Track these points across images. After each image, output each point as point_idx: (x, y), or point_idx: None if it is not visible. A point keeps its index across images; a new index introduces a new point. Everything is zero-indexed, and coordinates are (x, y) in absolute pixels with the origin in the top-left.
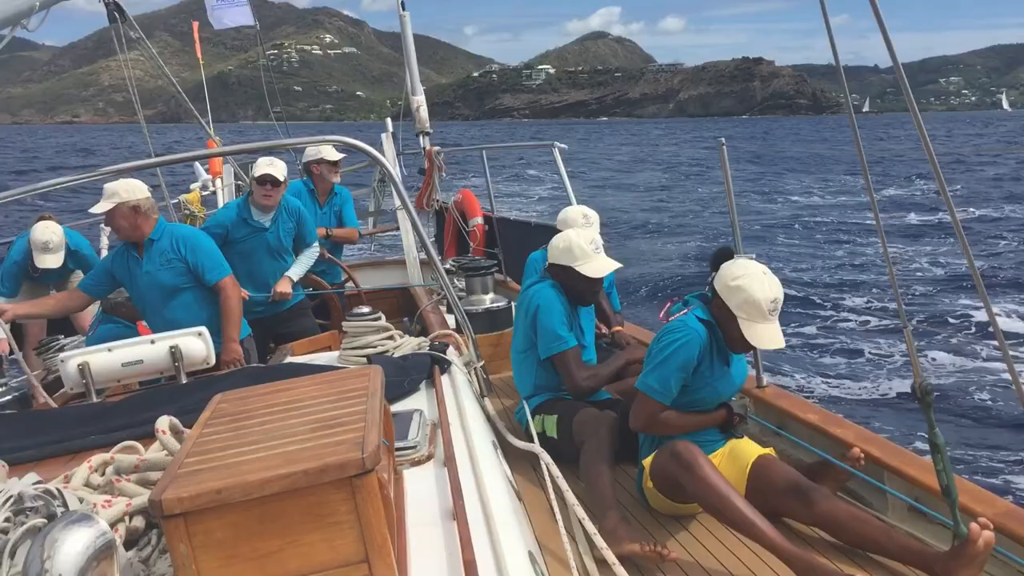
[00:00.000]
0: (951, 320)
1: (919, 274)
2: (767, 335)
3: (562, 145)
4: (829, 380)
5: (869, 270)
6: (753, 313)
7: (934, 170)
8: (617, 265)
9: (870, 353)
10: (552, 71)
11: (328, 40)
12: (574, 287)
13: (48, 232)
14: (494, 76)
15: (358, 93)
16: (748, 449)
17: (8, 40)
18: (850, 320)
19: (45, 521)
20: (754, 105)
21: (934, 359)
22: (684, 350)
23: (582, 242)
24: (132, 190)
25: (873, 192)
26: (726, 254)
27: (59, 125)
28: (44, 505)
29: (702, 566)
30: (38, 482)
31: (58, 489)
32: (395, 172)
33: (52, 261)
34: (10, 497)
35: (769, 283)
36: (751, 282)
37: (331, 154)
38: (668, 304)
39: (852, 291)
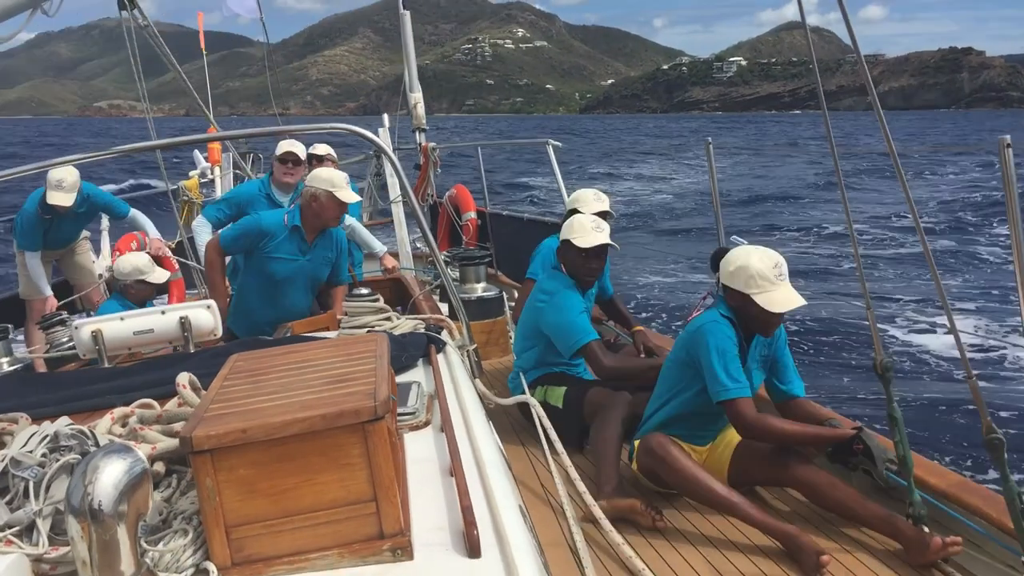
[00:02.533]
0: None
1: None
2: (783, 297)
3: (556, 143)
4: (798, 358)
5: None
6: (763, 284)
7: None
8: (602, 240)
9: (836, 332)
10: (744, 63)
11: (520, 34)
12: (572, 263)
13: (63, 171)
14: (684, 68)
15: (547, 86)
16: (735, 436)
17: (28, 23)
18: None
19: (79, 457)
20: (961, 98)
21: (894, 337)
22: (719, 337)
23: (584, 219)
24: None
25: None
26: (720, 254)
27: (271, 117)
28: (78, 444)
29: (686, 536)
30: (70, 425)
31: (91, 430)
32: (397, 161)
33: (63, 199)
34: (46, 436)
35: (763, 254)
36: (747, 259)
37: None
38: (695, 312)
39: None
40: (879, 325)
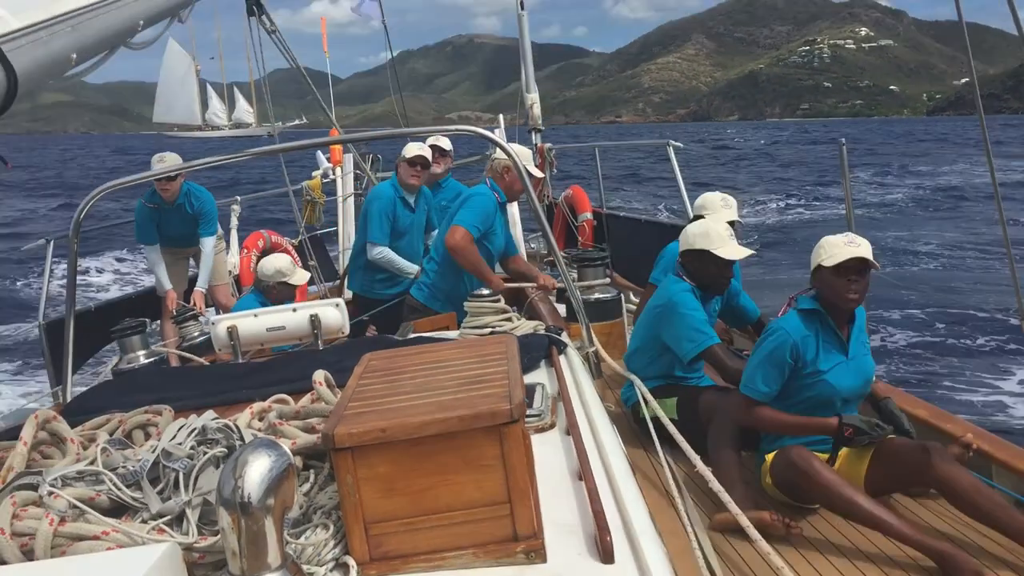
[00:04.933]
0: None
1: None
2: (852, 250)
3: (677, 144)
4: (941, 376)
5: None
6: (831, 250)
7: None
8: (748, 252)
9: (983, 348)
10: None
11: (863, 33)
12: (707, 272)
13: (164, 154)
14: None
15: (891, 88)
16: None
17: (164, 32)
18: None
19: (226, 451)
20: None
21: None
22: (775, 347)
23: (719, 228)
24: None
25: None
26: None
27: (602, 125)
28: (224, 437)
29: (831, 542)
30: (216, 419)
31: (236, 424)
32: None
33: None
34: (194, 429)
35: (835, 237)
36: (823, 240)
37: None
38: (786, 306)
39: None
40: None
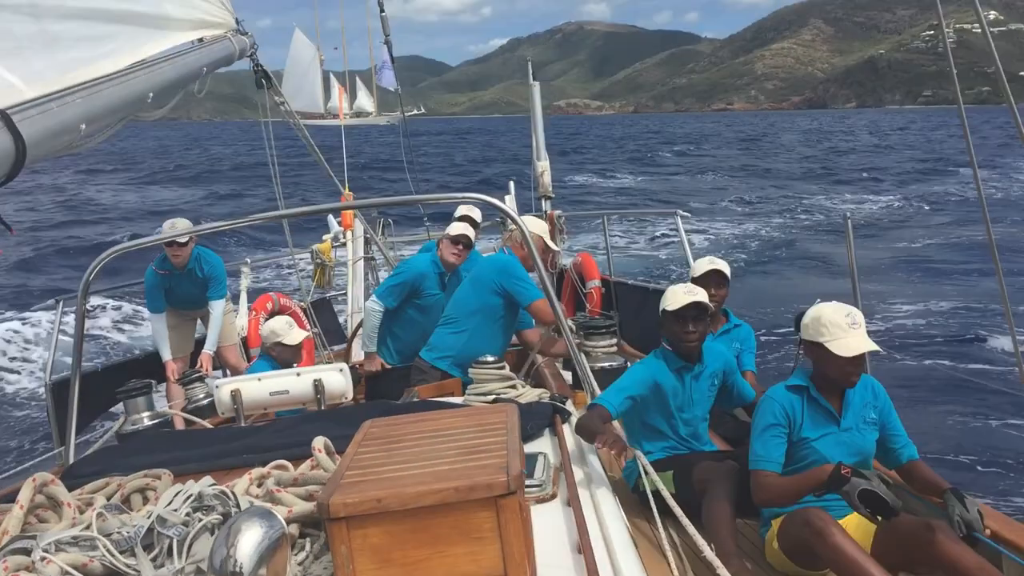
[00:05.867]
0: None
1: None
2: (854, 343)
3: (685, 213)
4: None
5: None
6: (834, 331)
7: None
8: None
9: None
10: None
11: (992, 17)
12: (670, 334)
13: (175, 220)
14: None
15: (1021, 74)
16: None
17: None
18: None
19: (221, 518)
20: None
21: None
22: (764, 412)
23: (677, 288)
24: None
25: None
26: (802, 315)
27: (712, 112)
28: (220, 504)
29: None
30: (213, 484)
31: (232, 492)
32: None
33: (178, 239)
34: (190, 496)
35: (836, 307)
36: (821, 310)
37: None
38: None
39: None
40: None
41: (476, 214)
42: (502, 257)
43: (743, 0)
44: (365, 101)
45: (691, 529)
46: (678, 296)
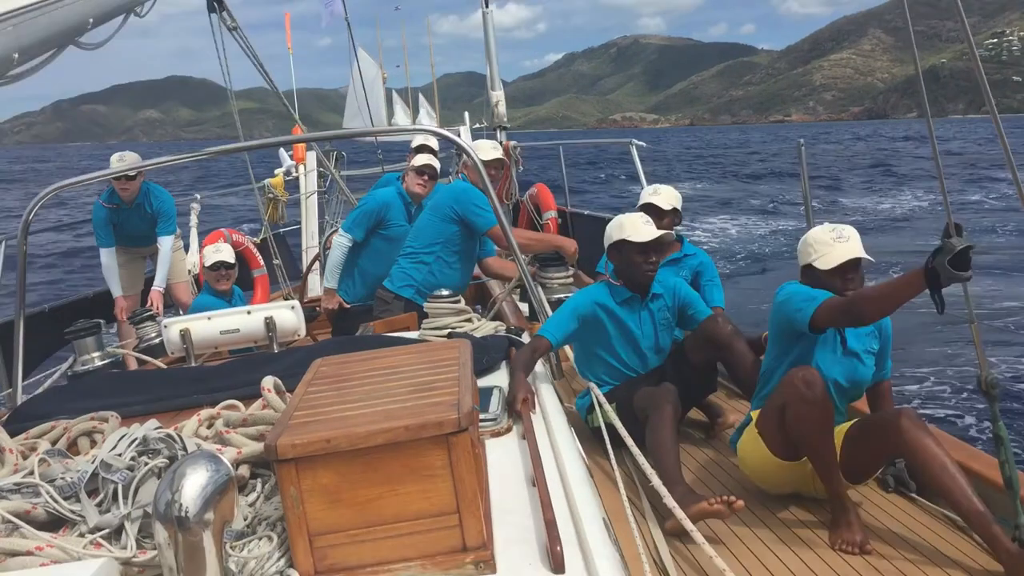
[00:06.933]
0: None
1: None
2: (840, 252)
3: (640, 143)
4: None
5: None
6: (820, 248)
7: None
8: (660, 233)
9: (934, 346)
10: None
11: None
12: (630, 265)
13: (124, 153)
14: None
15: None
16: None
17: (121, 28)
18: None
19: (167, 462)
20: None
21: (999, 354)
22: (792, 290)
23: (635, 217)
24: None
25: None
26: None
27: (769, 124)
28: (166, 447)
29: (767, 525)
30: (159, 428)
31: (178, 435)
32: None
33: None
34: (135, 439)
35: (825, 226)
36: (808, 233)
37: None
38: None
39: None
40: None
41: (433, 143)
42: (459, 184)
43: (800, 11)
44: (426, 118)
45: (640, 459)
46: (639, 229)
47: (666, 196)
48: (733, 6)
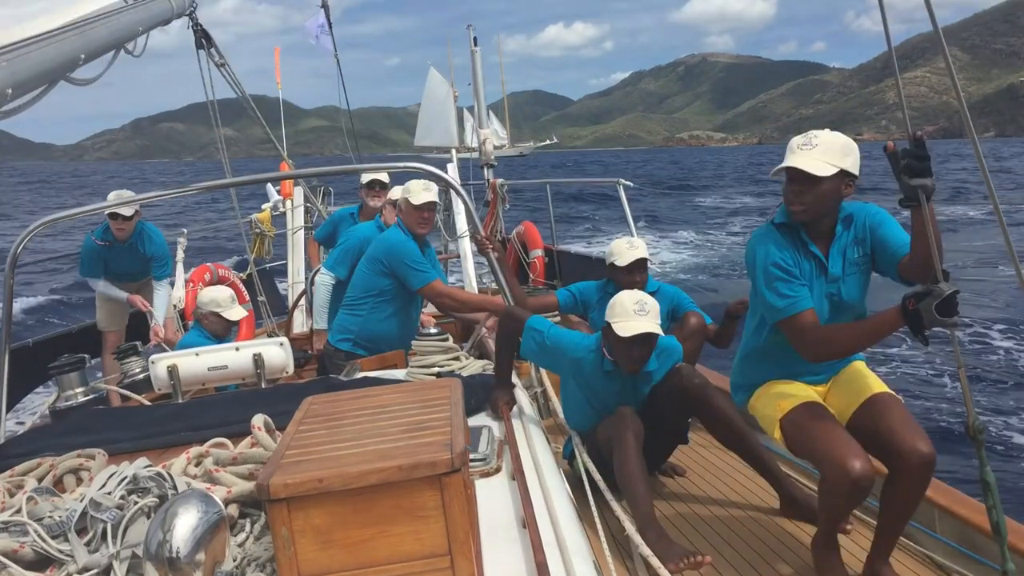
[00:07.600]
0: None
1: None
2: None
3: (627, 182)
4: None
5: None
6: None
7: None
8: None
9: (922, 390)
10: None
11: None
12: (613, 351)
13: (121, 191)
14: None
15: None
16: (868, 383)
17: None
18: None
19: (157, 501)
20: None
21: (986, 399)
22: (755, 256)
23: (627, 302)
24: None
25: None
26: None
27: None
28: (156, 486)
29: (733, 565)
30: (148, 466)
31: (168, 473)
32: (469, 199)
33: (123, 209)
34: (125, 478)
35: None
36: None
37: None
38: None
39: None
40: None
41: (384, 176)
42: (392, 236)
43: (873, 28)
44: (495, 136)
45: (617, 510)
46: (630, 324)
47: (642, 247)
48: (803, 23)
